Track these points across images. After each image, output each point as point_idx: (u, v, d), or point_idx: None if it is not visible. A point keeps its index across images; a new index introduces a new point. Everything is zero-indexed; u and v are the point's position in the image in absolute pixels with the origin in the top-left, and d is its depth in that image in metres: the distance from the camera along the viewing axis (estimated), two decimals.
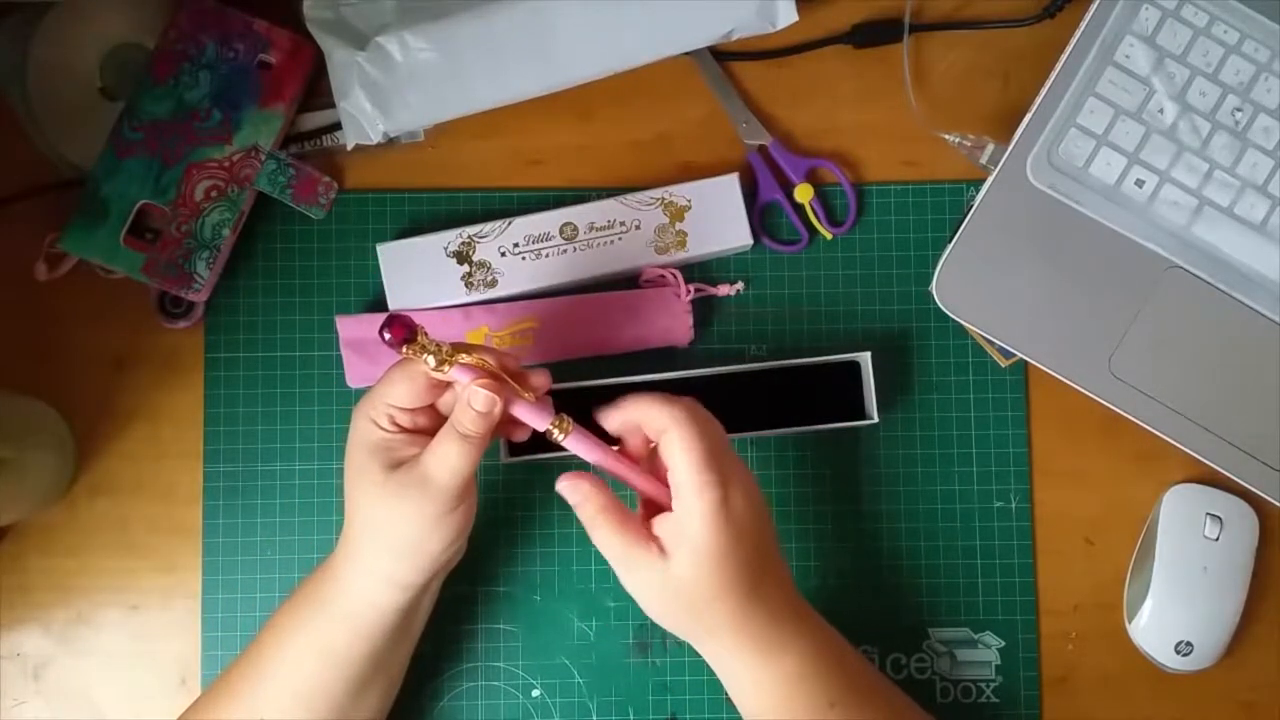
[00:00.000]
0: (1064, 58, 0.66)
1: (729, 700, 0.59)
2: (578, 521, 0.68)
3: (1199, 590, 0.67)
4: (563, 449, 0.56)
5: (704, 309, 0.69)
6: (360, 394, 0.62)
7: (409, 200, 0.70)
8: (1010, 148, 0.66)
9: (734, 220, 0.68)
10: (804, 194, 0.69)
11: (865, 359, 0.67)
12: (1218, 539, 0.67)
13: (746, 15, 0.66)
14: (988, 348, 0.69)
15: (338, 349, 0.68)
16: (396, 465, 0.56)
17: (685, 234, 0.68)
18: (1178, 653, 0.67)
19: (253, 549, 0.68)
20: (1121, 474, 0.69)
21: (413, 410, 0.56)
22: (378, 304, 0.69)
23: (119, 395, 0.69)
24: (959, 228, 0.66)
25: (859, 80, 0.71)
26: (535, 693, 0.68)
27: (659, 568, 0.55)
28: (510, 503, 0.69)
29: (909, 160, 0.71)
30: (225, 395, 0.69)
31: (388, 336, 0.52)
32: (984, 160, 0.68)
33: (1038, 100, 0.66)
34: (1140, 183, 0.66)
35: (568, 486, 0.56)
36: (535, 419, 0.56)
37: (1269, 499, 0.66)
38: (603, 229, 0.68)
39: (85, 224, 0.66)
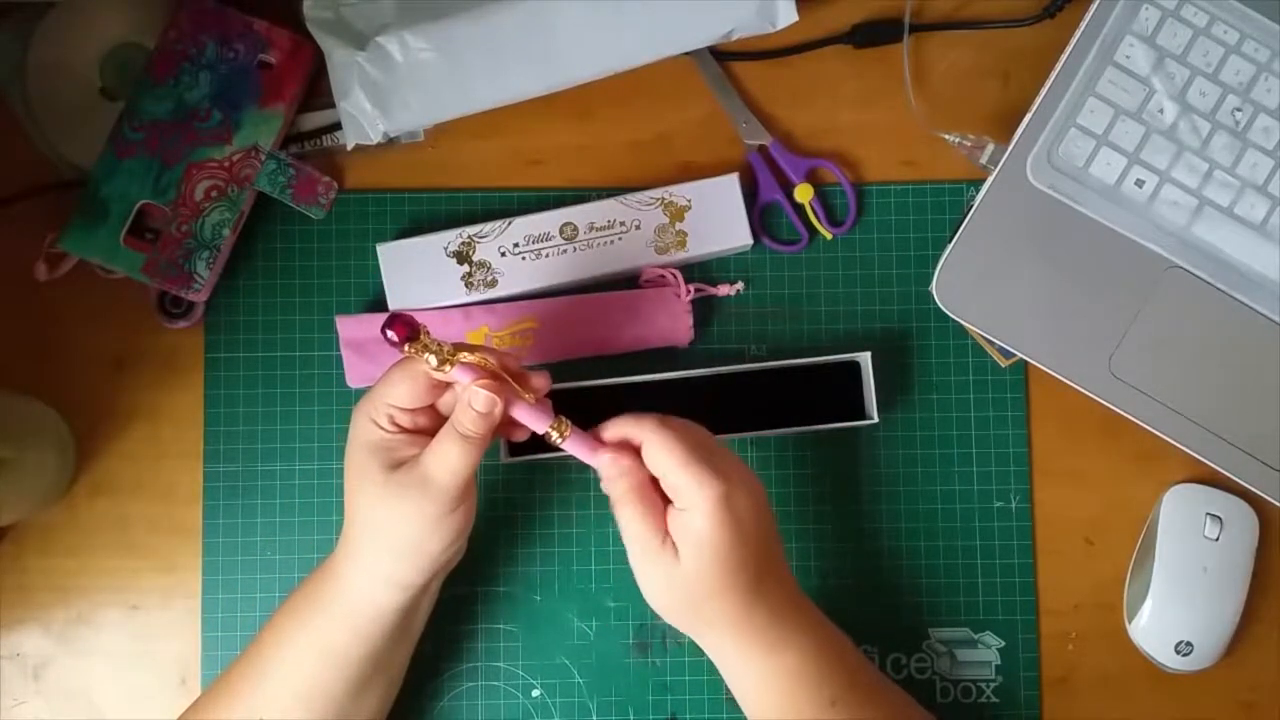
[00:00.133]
0: (1064, 58, 0.66)
1: (729, 700, 0.59)
2: (578, 521, 0.68)
3: (1199, 590, 0.67)
4: (561, 451, 0.56)
5: (704, 309, 0.69)
6: (360, 394, 0.62)
7: (409, 200, 0.70)
8: (1010, 148, 0.66)
9: (734, 220, 0.68)
10: (804, 194, 0.69)
11: (865, 359, 0.67)
12: (1218, 539, 0.67)
13: (746, 15, 0.66)
14: (988, 348, 0.69)
15: (338, 349, 0.68)
16: (397, 465, 0.56)
17: (685, 234, 0.68)
18: (1178, 653, 0.67)
19: (253, 549, 0.68)
20: (1121, 474, 0.69)
21: (413, 410, 0.56)
22: (378, 304, 0.69)
23: (119, 395, 0.69)
24: (959, 228, 0.66)
25: (859, 80, 0.71)
26: (535, 693, 0.68)
27: (669, 562, 0.55)
28: (510, 503, 0.69)
29: (909, 160, 0.71)
30: (225, 395, 0.69)
31: (390, 335, 0.52)
32: (984, 160, 0.68)
33: (1038, 100, 0.66)
34: (1140, 183, 0.66)
35: (608, 460, 0.56)
36: (535, 421, 0.56)
37: (1269, 499, 0.66)
38: (603, 229, 0.68)
39: (85, 224, 0.66)
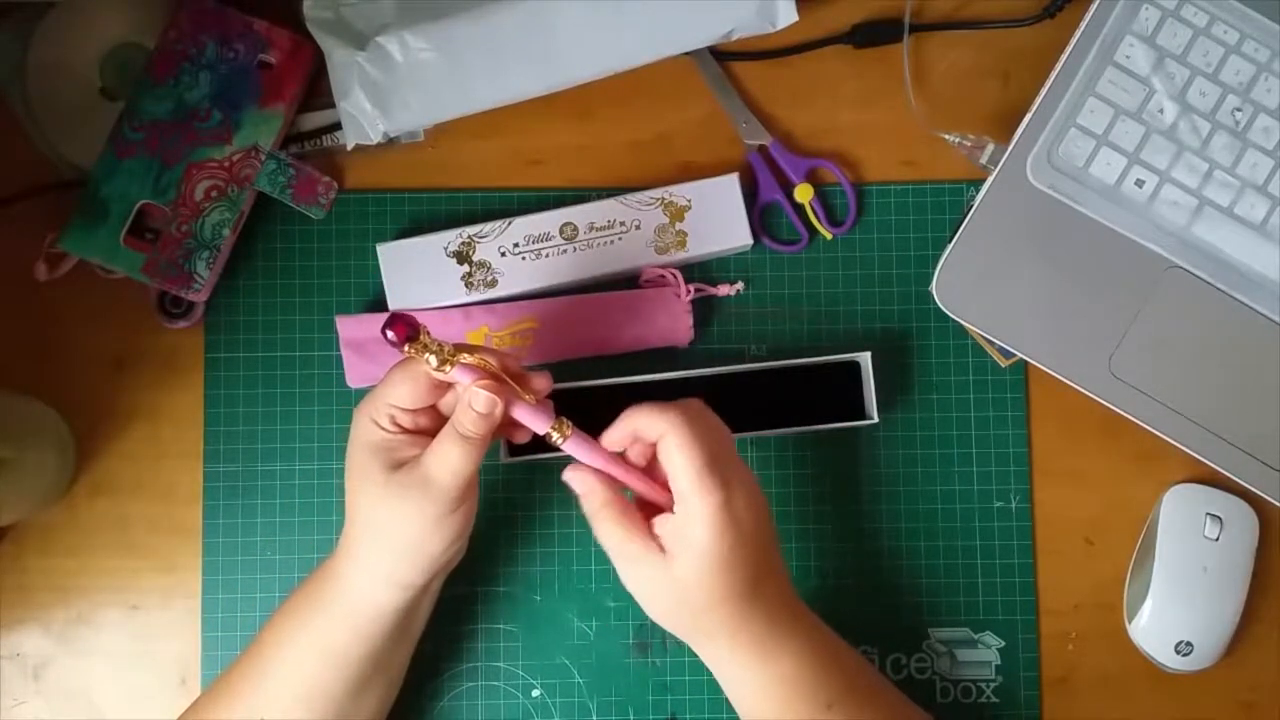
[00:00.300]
0: (1064, 58, 0.66)
1: (729, 701, 0.59)
2: (578, 521, 0.68)
3: (1199, 590, 0.67)
4: (562, 451, 0.56)
5: (704, 309, 0.69)
6: (360, 394, 0.62)
7: (409, 200, 0.70)
8: (1010, 148, 0.66)
9: (734, 220, 0.68)
10: (804, 194, 0.69)
11: (865, 359, 0.67)
12: (1218, 539, 0.67)
13: (746, 15, 0.66)
14: (988, 348, 0.69)
15: (338, 349, 0.68)
16: (397, 465, 0.55)
17: (685, 234, 0.68)
18: (1178, 653, 0.67)
19: (253, 549, 0.68)
20: (1121, 474, 0.69)
21: (414, 411, 0.56)
22: (378, 304, 0.69)
23: (119, 395, 0.69)
24: (959, 228, 0.66)
25: (859, 80, 0.71)
26: (535, 693, 0.68)
27: (660, 567, 0.55)
28: (510, 503, 0.69)
29: (909, 160, 0.71)
30: (225, 395, 0.69)
31: (390, 335, 0.52)
32: (984, 160, 0.68)
33: (1038, 100, 0.66)
34: (1140, 183, 0.66)
35: (574, 477, 0.56)
36: (535, 422, 0.56)
37: (1269, 499, 0.66)
38: (603, 229, 0.68)
39: (85, 224, 0.66)
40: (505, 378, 0.55)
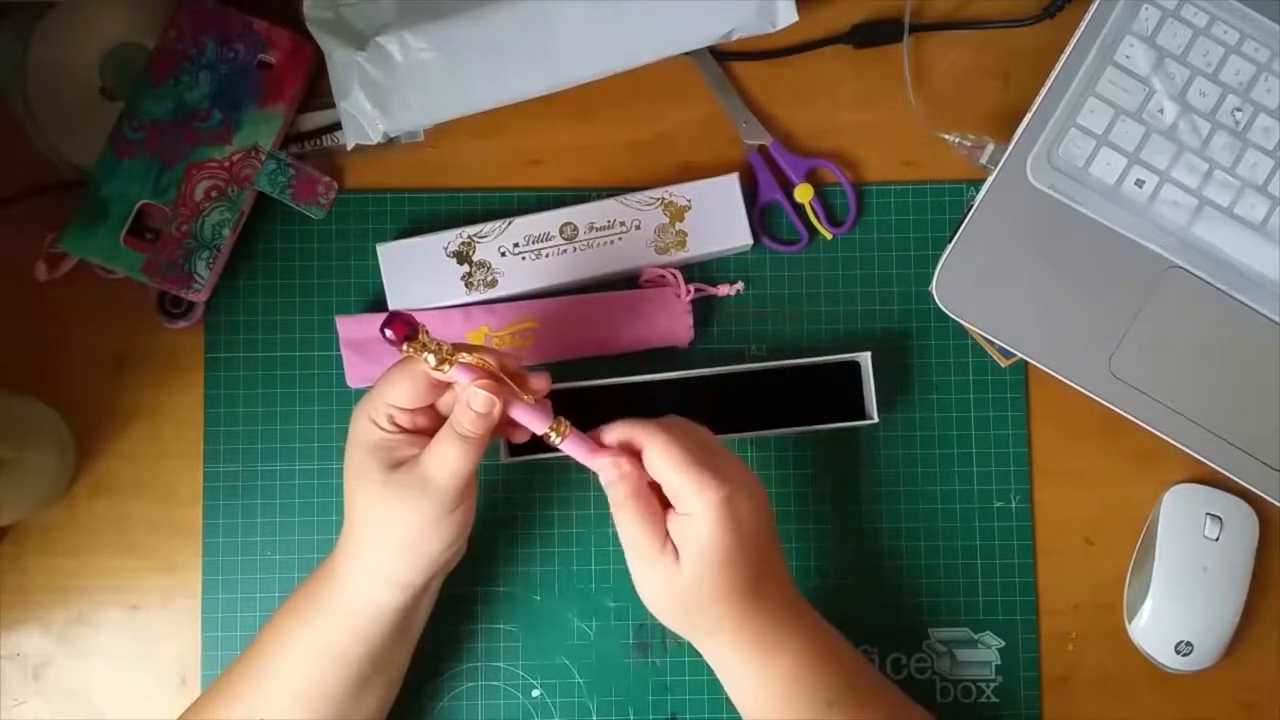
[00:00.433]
0: (1064, 58, 0.66)
1: (729, 700, 0.59)
2: (578, 521, 0.68)
3: (1199, 590, 0.67)
4: (560, 451, 0.56)
5: (704, 309, 0.69)
6: (360, 394, 0.62)
7: (409, 200, 0.70)
8: (1010, 148, 0.66)
9: (734, 220, 0.68)
10: (804, 194, 0.69)
11: (865, 359, 0.67)
12: (1218, 539, 0.67)
13: (746, 15, 0.66)
14: (988, 348, 0.69)
15: (338, 349, 0.68)
16: (396, 465, 0.55)
17: (685, 234, 0.68)
18: (1178, 653, 0.67)
19: (253, 549, 0.68)
20: (1121, 474, 0.69)
21: (412, 410, 0.56)
22: (378, 304, 0.69)
23: (119, 395, 0.69)
24: (959, 228, 0.66)
25: (859, 80, 0.71)
26: (535, 693, 0.68)
27: (669, 567, 0.55)
28: (510, 503, 0.69)
29: (909, 160, 0.71)
30: (225, 395, 0.69)
31: (389, 334, 0.52)
32: (984, 160, 0.68)
33: (1038, 100, 0.66)
34: (1140, 183, 0.66)
35: (608, 463, 0.56)
36: (534, 422, 0.56)
37: (1269, 499, 0.66)
38: (603, 229, 0.68)
39: (85, 224, 0.66)
40: (504, 377, 0.55)
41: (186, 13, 0.67)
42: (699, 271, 0.70)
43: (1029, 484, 0.69)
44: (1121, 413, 0.66)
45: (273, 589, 0.68)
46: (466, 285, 0.67)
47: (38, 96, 0.67)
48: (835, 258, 0.70)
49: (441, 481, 0.55)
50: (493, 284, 0.67)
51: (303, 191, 0.68)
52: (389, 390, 0.55)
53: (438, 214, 0.70)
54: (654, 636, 0.68)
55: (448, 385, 0.56)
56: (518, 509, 0.69)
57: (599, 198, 0.68)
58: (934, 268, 0.67)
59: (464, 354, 0.54)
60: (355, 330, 0.67)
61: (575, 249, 0.68)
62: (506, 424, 0.56)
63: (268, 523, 0.68)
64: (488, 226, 0.68)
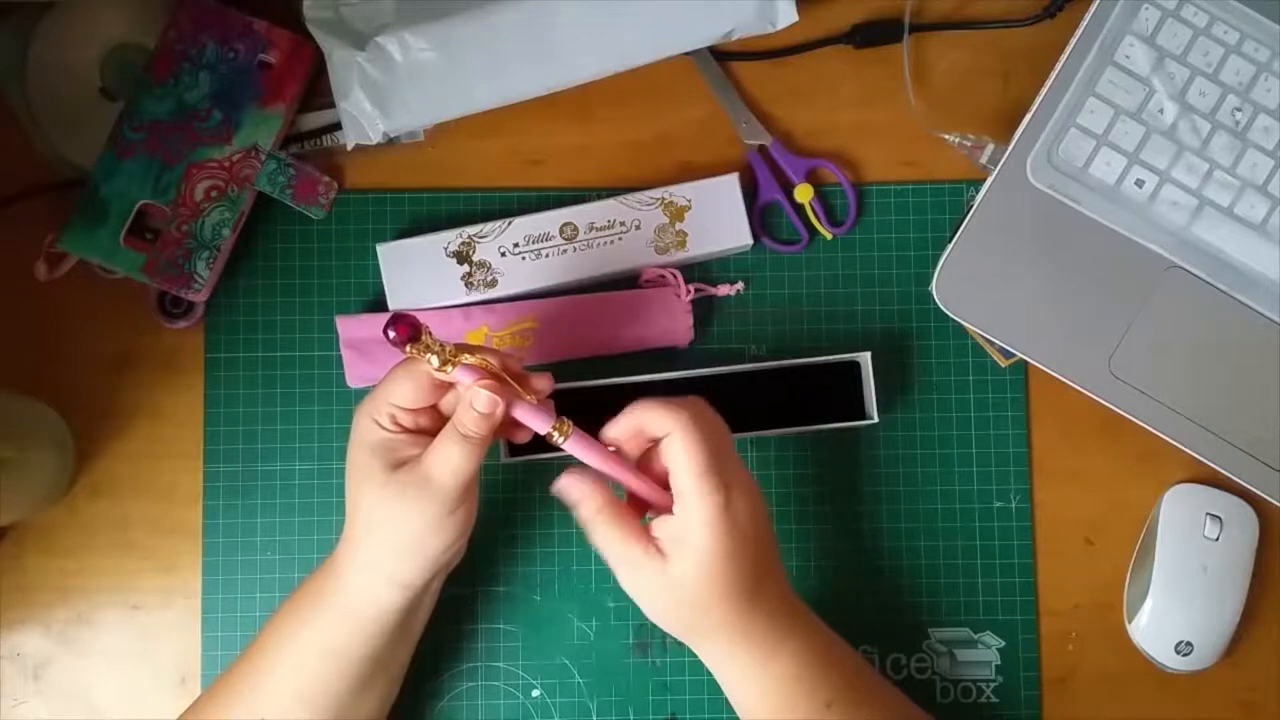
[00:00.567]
0: (1064, 58, 0.66)
1: (729, 700, 0.59)
2: (578, 521, 0.68)
3: (1199, 590, 0.67)
4: (563, 451, 0.56)
5: (704, 309, 0.69)
6: (360, 394, 0.63)
7: (409, 200, 0.70)
8: (1010, 148, 0.66)
9: (734, 220, 0.68)
10: (804, 194, 0.69)
11: (865, 359, 0.67)
12: (1218, 539, 0.67)
13: (746, 15, 0.66)
14: (988, 348, 0.69)
15: (338, 349, 0.68)
16: (398, 465, 0.55)
17: (685, 234, 0.68)
18: (1178, 653, 0.67)
19: (253, 549, 0.68)
20: (1121, 474, 0.69)
21: (415, 410, 0.56)
22: (378, 304, 0.69)
23: (119, 395, 0.69)
24: (959, 228, 0.66)
25: (859, 80, 0.71)
26: (535, 693, 0.68)
27: (658, 568, 0.55)
28: (510, 503, 0.69)
29: (909, 160, 0.71)
30: (225, 395, 0.69)
31: (392, 335, 0.52)
32: (984, 160, 0.68)
33: (1038, 100, 0.66)
34: (1140, 183, 0.66)
35: (566, 485, 0.56)
36: (536, 422, 0.56)
37: (1269, 499, 0.66)
38: (603, 229, 0.68)
39: (85, 224, 0.66)
40: (506, 378, 0.55)
41: (186, 13, 0.67)
42: (699, 271, 0.70)
43: (1029, 484, 0.69)
44: (1121, 413, 0.66)
45: (273, 589, 0.68)
46: (466, 285, 0.67)
47: (38, 96, 0.67)
48: (835, 258, 0.70)
49: (443, 481, 0.55)
50: (493, 284, 0.67)
51: (303, 191, 0.68)
52: (391, 390, 0.55)
53: (438, 214, 0.70)
54: (654, 636, 0.68)
55: (450, 385, 0.56)
56: (518, 509, 0.69)
57: (599, 198, 0.68)
58: (934, 268, 0.67)
59: (467, 355, 0.54)
60: (355, 330, 0.67)
61: (575, 249, 0.68)
62: (509, 424, 0.56)
63: (268, 523, 0.68)
64: (488, 226, 0.68)
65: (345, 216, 0.69)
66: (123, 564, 0.68)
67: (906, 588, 0.69)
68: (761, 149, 0.70)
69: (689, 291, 0.68)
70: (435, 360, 0.53)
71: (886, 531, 0.69)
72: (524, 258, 0.68)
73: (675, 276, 0.68)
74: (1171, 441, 0.66)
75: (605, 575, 0.68)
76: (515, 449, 0.66)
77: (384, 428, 0.56)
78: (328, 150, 0.69)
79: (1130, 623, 0.68)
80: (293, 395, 0.69)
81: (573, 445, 0.56)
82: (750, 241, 0.68)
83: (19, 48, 0.67)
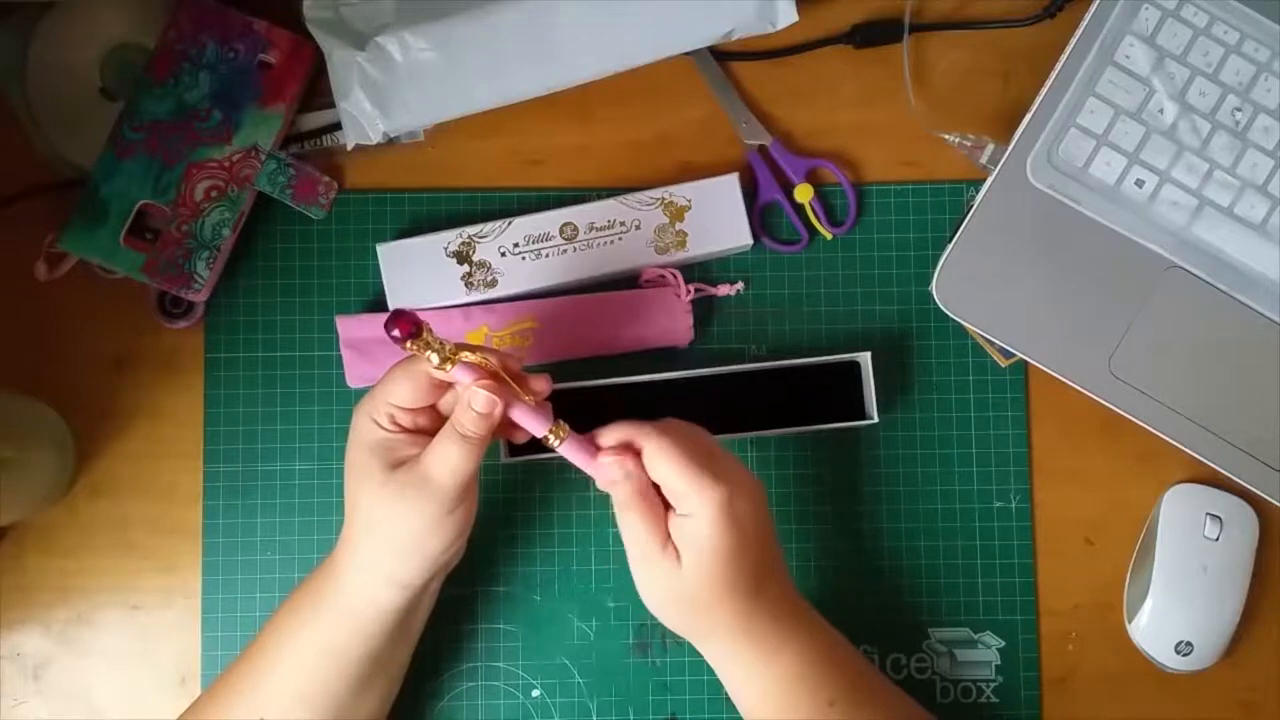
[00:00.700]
0: (1064, 58, 0.66)
1: (729, 700, 0.59)
2: (578, 521, 0.68)
3: (1199, 590, 0.67)
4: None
5: (704, 309, 0.69)
6: (360, 394, 0.62)
7: (409, 200, 0.70)
8: (1010, 148, 0.66)
9: (734, 220, 0.68)
10: (804, 194, 0.69)
11: (865, 359, 0.67)
12: (1218, 539, 0.67)
13: (746, 15, 0.66)
14: (988, 348, 0.69)
15: (338, 349, 0.68)
16: (397, 465, 0.56)
17: (685, 234, 0.68)
18: (1178, 653, 0.67)
19: (253, 549, 0.68)
20: (1121, 474, 0.69)
21: (414, 410, 0.56)
22: (378, 304, 0.69)
23: (119, 395, 0.69)
24: (959, 228, 0.66)
25: (859, 80, 0.71)
26: (535, 693, 0.68)
27: (669, 567, 0.55)
28: (510, 503, 0.69)
29: (909, 160, 0.71)
30: (225, 395, 0.69)
31: (394, 332, 0.52)
32: (984, 160, 0.68)
33: (1038, 100, 0.66)
34: (1140, 183, 0.66)
35: (613, 462, 0.56)
36: (533, 423, 0.56)
37: (1269, 499, 0.66)
38: (603, 229, 0.68)
39: (85, 224, 0.66)
40: (505, 378, 0.55)
41: (186, 13, 0.67)
42: (699, 271, 0.70)
43: (1029, 484, 0.69)
44: (1121, 413, 0.66)
45: (273, 589, 0.68)
46: (466, 285, 0.67)
47: (38, 96, 0.67)
48: (835, 258, 0.70)
49: (442, 481, 0.55)
50: (493, 284, 0.67)
51: (303, 191, 0.68)
52: (390, 389, 0.55)
53: (438, 214, 0.70)
54: (654, 636, 0.68)
55: (449, 385, 0.56)
56: (518, 509, 0.69)
57: (599, 198, 0.68)
58: (934, 268, 0.67)
59: (466, 353, 0.54)
60: (355, 330, 0.67)
61: (575, 249, 0.68)
62: (507, 425, 0.56)
63: (268, 523, 0.68)
64: (488, 226, 0.68)
65: (345, 216, 0.69)
66: (123, 564, 0.68)
67: (906, 588, 0.69)
68: (761, 149, 0.70)
69: (689, 291, 0.68)
70: (435, 358, 0.53)
71: (886, 531, 0.69)
72: (524, 258, 0.68)
73: (675, 276, 0.68)
74: (1171, 441, 0.66)
75: (605, 575, 0.68)
76: (515, 449, 0.66)
77: (383, 427, 0.56)
78: (328, 150, 0.69)
79: (1130, 623, 0.68)
80: (293, 395, 0.69)
81: (568, 449, 0.56)
82: (750, 241, 0.68)
83: (19, 48, 0.67)
